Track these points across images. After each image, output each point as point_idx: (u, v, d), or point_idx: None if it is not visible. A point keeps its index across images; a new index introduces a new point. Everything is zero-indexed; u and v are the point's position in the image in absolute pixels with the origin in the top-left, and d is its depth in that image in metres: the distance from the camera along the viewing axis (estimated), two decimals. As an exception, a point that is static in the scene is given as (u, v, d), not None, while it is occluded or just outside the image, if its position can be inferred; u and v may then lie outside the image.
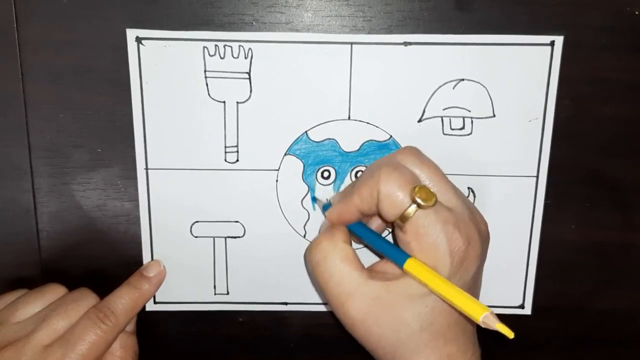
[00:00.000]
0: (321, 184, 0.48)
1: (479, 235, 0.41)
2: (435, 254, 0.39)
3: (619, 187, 0.50)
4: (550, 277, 0.51)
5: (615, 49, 0.46)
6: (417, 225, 0.39)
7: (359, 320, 0.40)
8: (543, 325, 0.52)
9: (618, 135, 0.48)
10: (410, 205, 0.39)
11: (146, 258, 0.49)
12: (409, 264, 0.40)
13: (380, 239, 0.43)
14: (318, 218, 0.49)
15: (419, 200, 0.38)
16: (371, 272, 0.42)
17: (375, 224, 0.46)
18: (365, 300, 0.40)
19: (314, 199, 0.48)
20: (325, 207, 0.47)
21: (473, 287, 0.42)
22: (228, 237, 0.49)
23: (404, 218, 0.39)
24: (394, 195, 0.39)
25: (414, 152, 0.43)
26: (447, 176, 0.47)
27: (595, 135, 0.48)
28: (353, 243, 0.45)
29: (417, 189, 0.39)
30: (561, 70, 0.46)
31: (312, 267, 0.42)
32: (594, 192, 0.50)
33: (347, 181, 0.48)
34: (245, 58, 0.45)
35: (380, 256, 0.45)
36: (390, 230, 0.48)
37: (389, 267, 0.42)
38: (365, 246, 0.48)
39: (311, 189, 0.48)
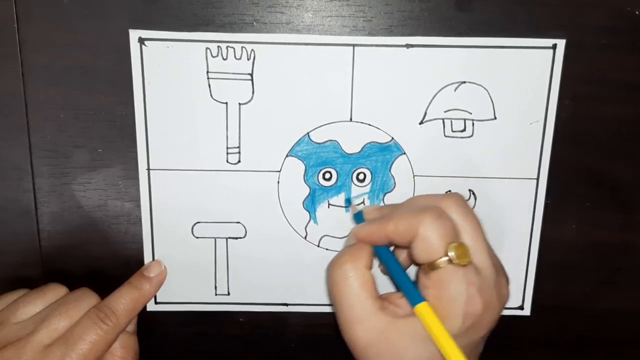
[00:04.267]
0: (322, 185, 0.48)
1: (499, 301, 0.41)
2: (448, 309, 0.39)
3: (619, 187, 0.50)
4: (550, 277, 0.51)
5: (616, 49, 0.46)
6: (442, 277, 0.39)
7: (361, 347, 0.41)
8: (543, 325, 0.53)
9: (618, 135, 0.48)
10: (442, 257, 0.39)
11: (147, 258, 0.49)
12: (421, 307, 0.40)
13: (400, 271, 0.42)
14: (320, 219, 0.49)
15: (452, 257, 0.39)
16: (384, 302, 0.42)
17: (402, 255, 0.46)
18: (372, 331, 0.40)
19: (349, 201, 0.48)
20: (357, 216, 0.47)
21: (480, 345, 0.43)
22: (229, 238, 0.49)
23: (432, 266, 0.39)
24: (431, 243, 0.39)
25: (461, 202, 0.42)
26: (449, 178, 0.48)
27: (596, 135, 0.48)
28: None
29: (454, 245, 0.39)
30: (561, 70, 0.46)
31: (331, 283, 0.42)
32: (594, 192, 0.50)
33: (349, 183, 0.48)
34: (248, 59, 0.45)
35: (397, 287, 0.45)
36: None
37: (403, 301, 0.42)
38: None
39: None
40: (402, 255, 0.46)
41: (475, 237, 0.41)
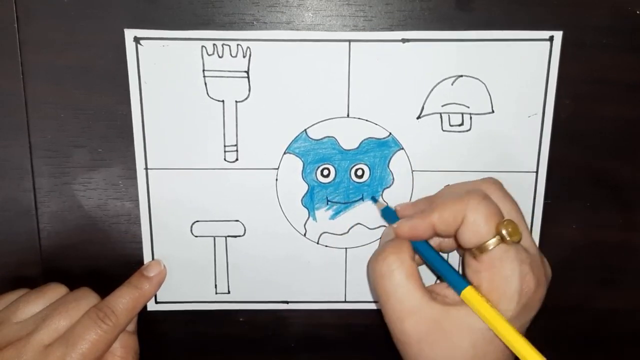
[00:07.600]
0: (321, 182, 0.48)
1: (546, 278, 0.42)
2: (504, 289, 0.39)
3: (619, 187, 0.50)
4: (551, 277, 0.51)
5: (615, 49, 0.46)
6: (495, 257, 0.39)
7: (415, 340, 0.41)
8: (543, 325, 0.52)
9: (618, 134, 0.48)
10: (493, 238, 0.39)
11: (147, 258, 0.49)
12: (467, 292, 0.40)
13: (442, 261, 0.42)
14: (319, 216, 0.49)
15: (504, 234, 0.39)
16: (432, 293, 0.42)
17: (446, 243, 0.46)
18: (425, 322, 0.40)
19: (374, 200, 0.48)
20: (386, 211, 0.47)
21: (527, 328, 0.42)
22: (228, 236, 0.49)
23: (482, 249, 0.39)
24: (479, 225, 0.39)
25: (499, 185, 0.43)
26: (447, 173, 0.48)
27: (595, 134, 0.48)
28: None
29: (505, 223, 0.39)
30: (561, 69, 0.46)
31: (376, 278, 0.42)
32: (594, 191, 0.50)
33: (347, 179, 0.48)
34: (244, 57, 0.45)
35: (440, 278, 0.45)
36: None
37: (450, 291, 0.42)
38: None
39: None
40: (443, 243, 0.46)
41: (517, 218, 0.42)
